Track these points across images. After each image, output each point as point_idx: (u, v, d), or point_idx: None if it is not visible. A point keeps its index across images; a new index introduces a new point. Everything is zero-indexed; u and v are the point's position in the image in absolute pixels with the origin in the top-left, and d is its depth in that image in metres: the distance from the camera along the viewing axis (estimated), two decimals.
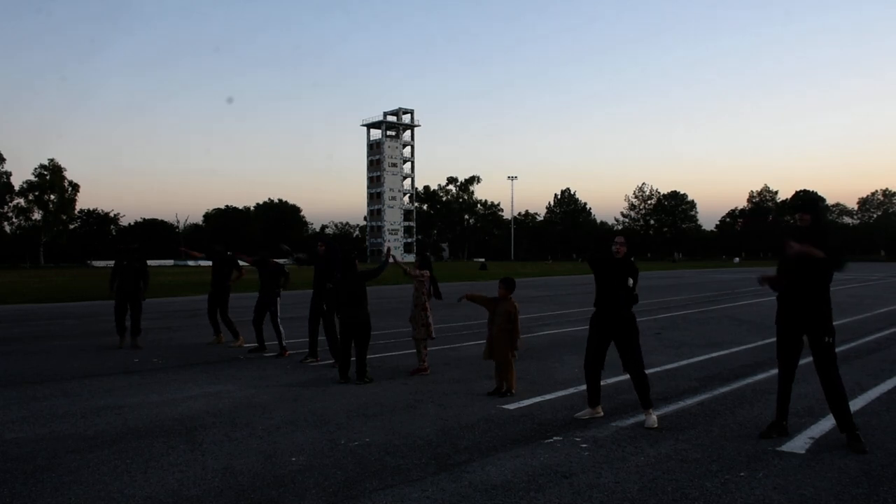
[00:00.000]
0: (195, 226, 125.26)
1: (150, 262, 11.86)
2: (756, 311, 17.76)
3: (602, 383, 6.82)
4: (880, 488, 4.45)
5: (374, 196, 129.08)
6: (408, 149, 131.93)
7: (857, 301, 20.51)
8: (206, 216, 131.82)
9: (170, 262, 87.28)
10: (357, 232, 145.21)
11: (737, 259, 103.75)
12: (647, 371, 6.37)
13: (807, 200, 5.70)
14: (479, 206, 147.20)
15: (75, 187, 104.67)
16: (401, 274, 8.91)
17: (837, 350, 5.57)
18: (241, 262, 12.10)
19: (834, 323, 5.52)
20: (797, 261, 5.37)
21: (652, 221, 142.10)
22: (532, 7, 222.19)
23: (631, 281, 6.07)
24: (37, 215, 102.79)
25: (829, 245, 5.31)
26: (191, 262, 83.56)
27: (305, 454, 5.21)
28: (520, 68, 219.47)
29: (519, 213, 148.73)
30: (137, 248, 12.01)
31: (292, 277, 11.30)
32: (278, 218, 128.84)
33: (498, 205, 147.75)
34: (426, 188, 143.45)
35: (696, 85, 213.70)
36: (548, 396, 7.28)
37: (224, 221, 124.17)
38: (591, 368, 6.27)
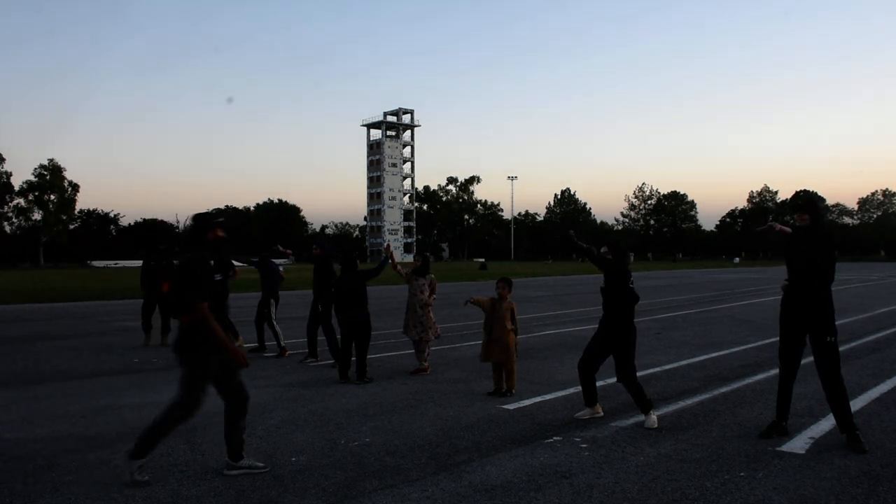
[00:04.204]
0: None
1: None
2: (756, 311, 17.76)
3: (602, 383, 6.83)
4: (880, 488, 4.45)
5: (374, 196, 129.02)
6: (408, 149, 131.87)
7: (857, 301, 20.51)
8: None
9: None
10: (357, 232, 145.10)
11: (737, 259, 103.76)
12: (648, 371, 6.39)
13: (806, 200, 5.75)
14: (479, 206, 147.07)
15: (75, 187, 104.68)
16: (400, 274, 8.91)
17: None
18: (237, 264, 12.17)
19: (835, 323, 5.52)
20: (804, 258, 5.44)
21: (652, 221, 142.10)
22: (532, 7, 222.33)
23: (604, 283, 6.07)
24: (37, 215, 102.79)
25: (829, 250, 5.46)
26: None
27: (305, 454, 5.21)
28: (520, 68, 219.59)
29: (519, 213, 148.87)
30: (165, 249, 12.24)
31: (287, 277, 11.34)
32: (278, 218, 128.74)
33: (498, 205, 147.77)
34: (426, 188, 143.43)
35: (696, 85, 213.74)
36: (548, 396, 7.28)
37: (224, 221, 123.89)
38: (584, 369, 6.25)
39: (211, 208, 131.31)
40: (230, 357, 4.65)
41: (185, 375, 4.66)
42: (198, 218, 4.95)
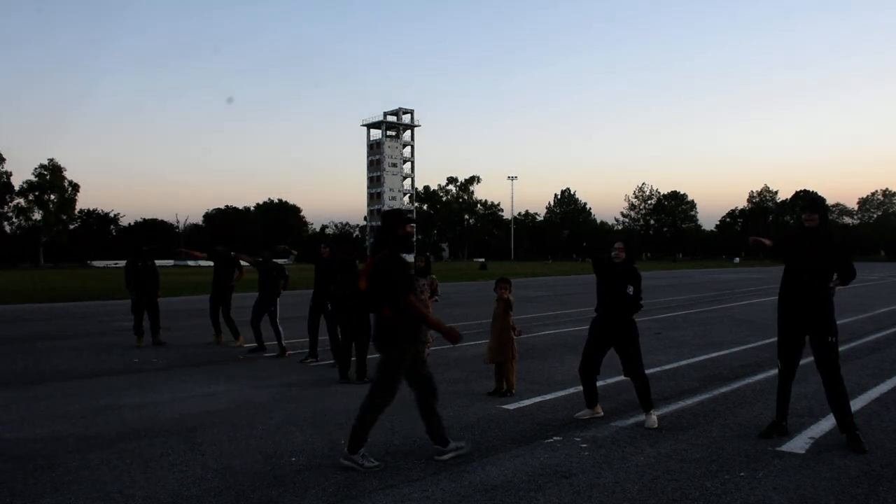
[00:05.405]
0: (195, 226, 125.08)
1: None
2: (756, 311, 17.76)
3: (602, 383, 6.84)
4: (880, 488, 4.45)
5: (374, 196, 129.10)
6: (408, 149, 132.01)
7: (857, 301, 20.51)
8: (206, 216, 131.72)
9: (170, 262, 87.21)
10: (357, 232, 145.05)
11: (737, 259, 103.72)
12: (648, 371, 6.37)
13: (810, 201, 5.72)
14: (479, 206, 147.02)
15: (75, 187, 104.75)
16: None
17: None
18: (242, 263, 12.16)
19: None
20: (809, 258, 5.46)
21: (652, 221, 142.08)
22: (532, 6, 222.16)
23: (631, 289, 6.01)
24: (37, 215, 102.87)
25: (842, 255, 5.51)
26: (191, 262, 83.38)
27: (305, 454, 5.21)
28: (519, 68, 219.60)
29: (519, 213, 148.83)
30: (149, 250, 12.23)
31: (292, 277, 11.34)
32: (278, 218, 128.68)
33: (498, 205, 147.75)
34: (426, 188, 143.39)
35: (696, 85, 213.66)
36: (548, 396, 7.28)
37: (224, 221, 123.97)
38: (586, 373, 6.25)
39: (210, 208, 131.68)
40: (447, 336, 4.93)
41: (383, 365, 4.93)
42: (390, 215, 5.11)
